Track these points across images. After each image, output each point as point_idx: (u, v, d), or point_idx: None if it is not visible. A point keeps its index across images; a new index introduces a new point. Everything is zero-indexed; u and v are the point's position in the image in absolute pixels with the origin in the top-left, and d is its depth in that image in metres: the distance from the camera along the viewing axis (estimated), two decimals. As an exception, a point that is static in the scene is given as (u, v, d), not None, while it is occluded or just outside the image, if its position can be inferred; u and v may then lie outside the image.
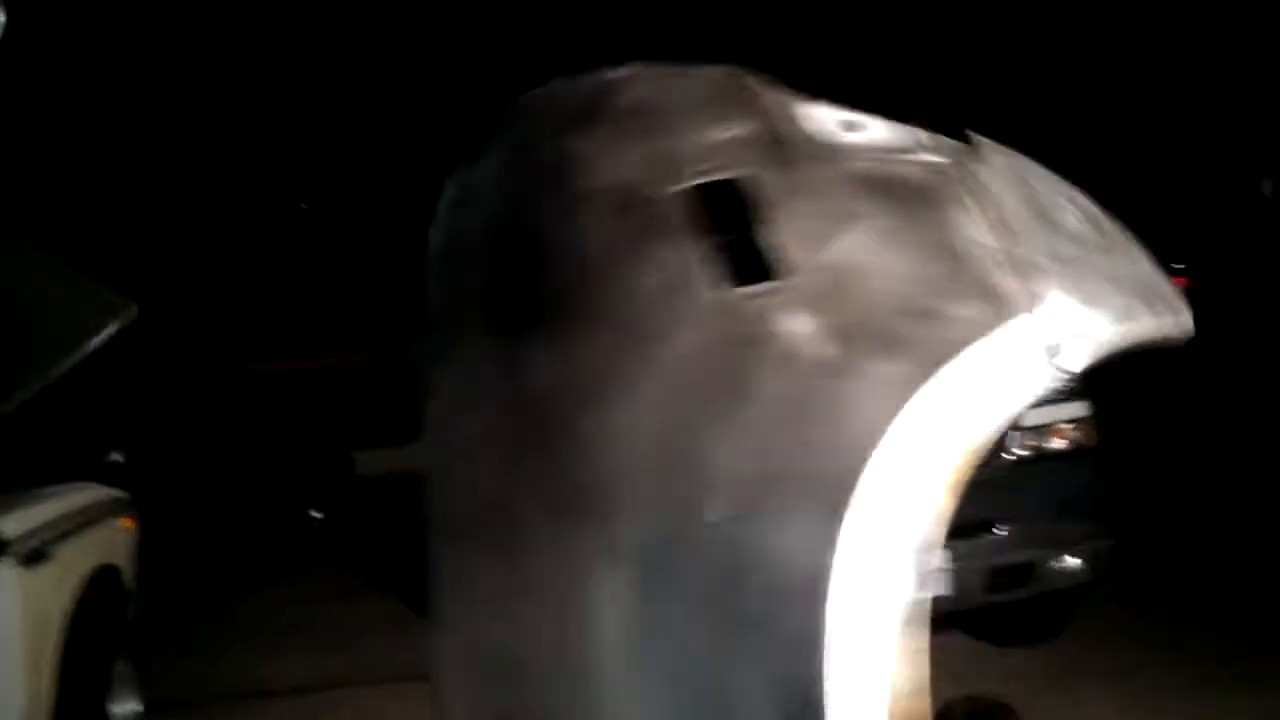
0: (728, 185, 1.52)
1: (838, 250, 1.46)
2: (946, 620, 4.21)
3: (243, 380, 7.10)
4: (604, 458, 1.44)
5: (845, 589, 1.30)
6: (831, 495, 1.31)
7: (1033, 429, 3.88)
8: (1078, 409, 3.97)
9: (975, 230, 1.45)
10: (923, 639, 1.33)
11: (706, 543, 1.36)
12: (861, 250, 1.46)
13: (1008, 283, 1.39)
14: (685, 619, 1.36)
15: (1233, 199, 15.07)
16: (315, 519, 6.19)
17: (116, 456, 4.64)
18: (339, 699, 3.95)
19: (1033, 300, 1.38)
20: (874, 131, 1.58)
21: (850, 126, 1.58)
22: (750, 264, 1.46)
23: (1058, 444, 3.94)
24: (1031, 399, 1.38)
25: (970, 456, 1.35)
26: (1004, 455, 3.86)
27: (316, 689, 4.04)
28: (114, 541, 3.43)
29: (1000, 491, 3.82)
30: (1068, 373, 1.37)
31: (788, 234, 1.47)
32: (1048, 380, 1.37)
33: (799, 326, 1.41)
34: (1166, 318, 1.44)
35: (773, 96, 1.60)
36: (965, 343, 1.35)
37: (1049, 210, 1.49)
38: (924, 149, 1.56)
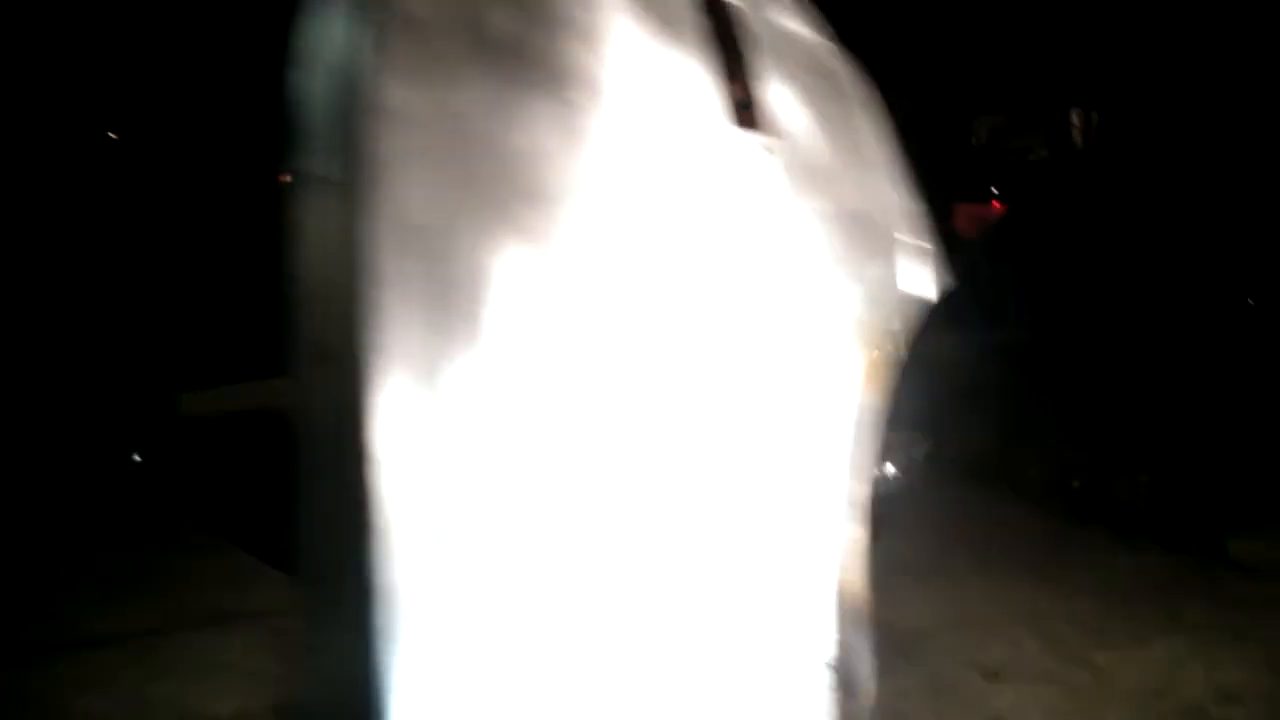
0: (726, 9, 1.42)
1: (813, 125, 1.42)
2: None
3: (59, 316, 6.73)
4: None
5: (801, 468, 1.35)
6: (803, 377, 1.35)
7: (852, 343, 4.05)
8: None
9: (875, 143, 1.49)
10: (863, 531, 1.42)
11: None
12: (829, 133, 1.43)
13: (900, 208, 1.47)
14: None
15: (1046, 129, 15.94)
16: (136, 462, 5.94)
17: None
18: (154, 644, 3.82)
19: (915, 236, 1.47)
20: (787, 4, 1.53)
21: None
22: (742, 105, 1.38)
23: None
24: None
25: (890, 362, 1.44)
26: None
27: (133, 635, 3.90)
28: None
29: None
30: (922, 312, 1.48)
31: (769, 86, 1.41)
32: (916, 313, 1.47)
33: (788, 193, 1.36)
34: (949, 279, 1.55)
35: None
36: (898, 258, 1.43)
37: (888, 144, 1.54)
38: (819, 37, 1.53)
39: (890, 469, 4.08)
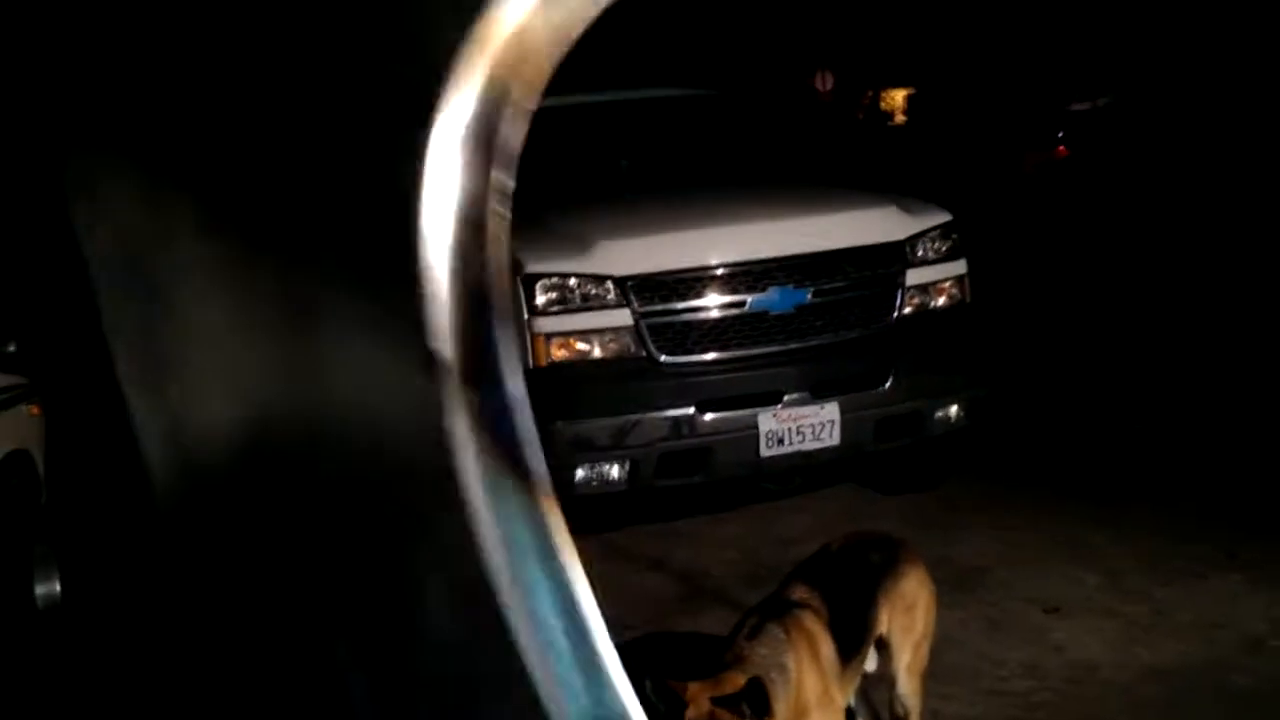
0: None
1: None
2: (840, 469, 4.51)
3: None
4: None
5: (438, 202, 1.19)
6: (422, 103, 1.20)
7: (917, 288, 4.13)
8: (957, 268, 4.24)
9: None
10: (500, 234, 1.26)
11: None
12: None
13: None
14: None
15: (1111, 89, 16.07)
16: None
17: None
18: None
19: None
20: None
21: None
22: None
23: (939, 301, 4.20)
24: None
25: (543, 78, 1.27)
26: (891, 314, 4.11)
27: None
28: (24, 427, 3.44)
29: (888, 347, 4.09)
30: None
31: None
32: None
33: None
34: None
35: None
36: None
37: None
38: None
39: (954, 411, 4.18)
